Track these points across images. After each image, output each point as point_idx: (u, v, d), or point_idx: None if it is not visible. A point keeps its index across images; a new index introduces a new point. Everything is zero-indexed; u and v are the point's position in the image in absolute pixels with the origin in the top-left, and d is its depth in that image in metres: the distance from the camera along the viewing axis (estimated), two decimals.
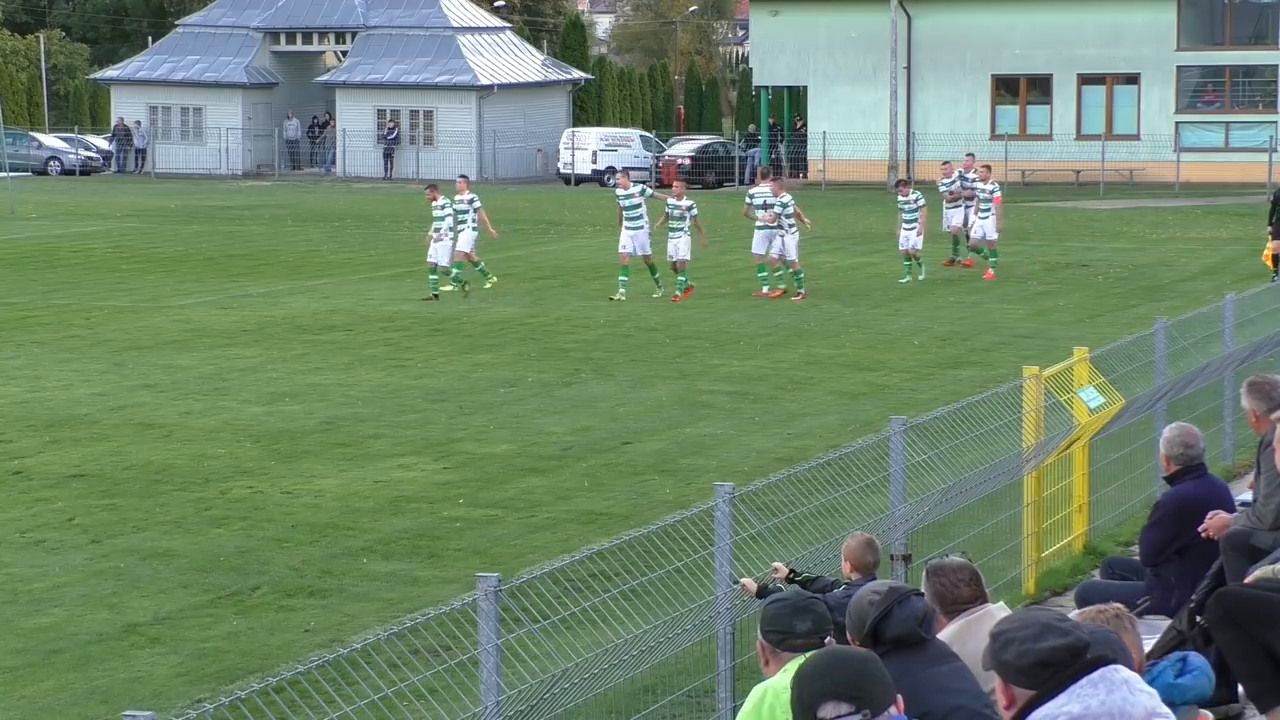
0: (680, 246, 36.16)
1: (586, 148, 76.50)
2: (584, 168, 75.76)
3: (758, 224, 37.11)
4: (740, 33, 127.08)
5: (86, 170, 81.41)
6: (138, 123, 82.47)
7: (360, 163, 78.83)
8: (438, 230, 36.38)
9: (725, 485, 11.77)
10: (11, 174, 68.98)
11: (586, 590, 12.17)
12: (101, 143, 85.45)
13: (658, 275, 36.01)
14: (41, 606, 15.56)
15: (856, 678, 5.91)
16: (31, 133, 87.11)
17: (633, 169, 75.90)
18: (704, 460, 21.34)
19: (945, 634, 8.40)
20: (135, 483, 20.17)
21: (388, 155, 79.54)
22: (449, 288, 36.38)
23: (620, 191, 37.02)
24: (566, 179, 75.86)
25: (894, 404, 23.39)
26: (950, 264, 41.10)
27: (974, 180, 41.13)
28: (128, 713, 7.50)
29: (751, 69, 78.21)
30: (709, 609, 11.58)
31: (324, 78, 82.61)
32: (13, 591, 15.98)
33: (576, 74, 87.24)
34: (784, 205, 36.43)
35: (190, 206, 60.91)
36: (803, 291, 35.83)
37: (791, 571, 11.21)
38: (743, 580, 11.34)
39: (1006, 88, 69.97)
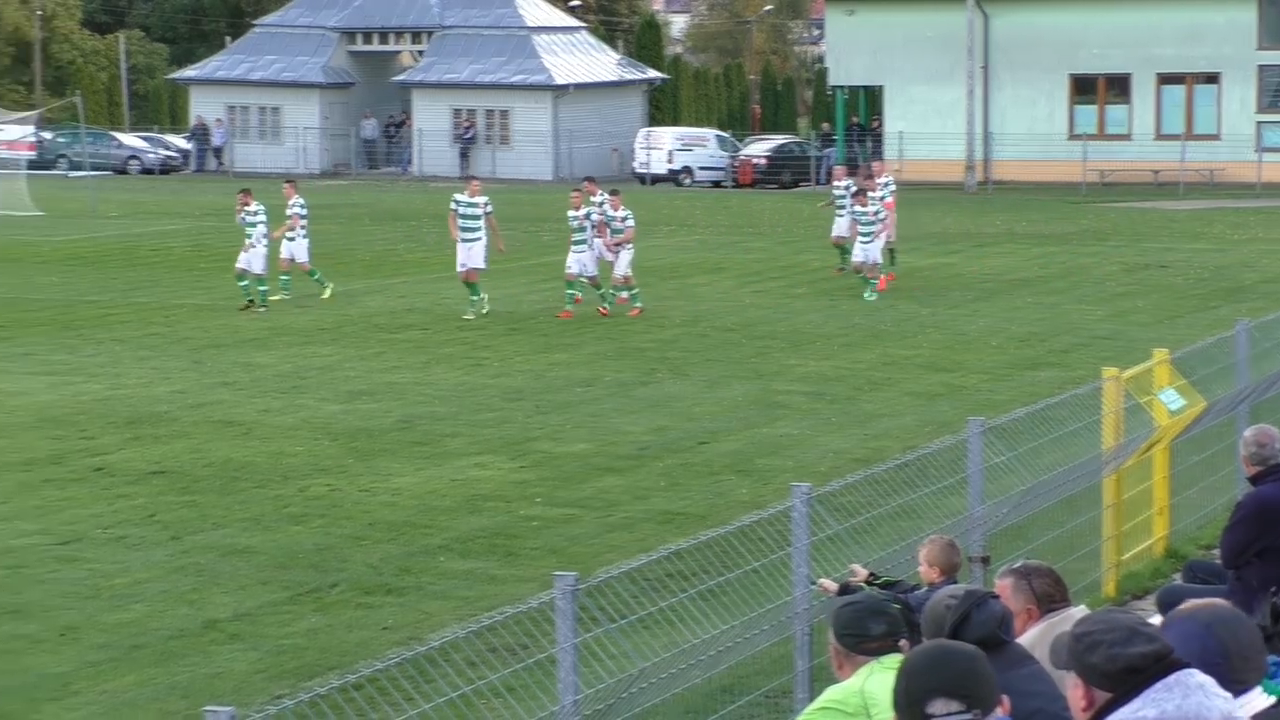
0: (589, 262, 34.00)
1: (662, 147, 76.49)
2: (659, 167, 75.76)
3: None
4: (815, 32, 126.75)
5: (166, 169, 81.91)
6: (218, 121, 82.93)
7: (436, 162, 79.03)
8: (250, 237, 34.64)
9: (802, 486, 11.76)
10: (92, 173, 69.48)
11: (663, 590, 12.18)
12: (180, 142, 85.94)
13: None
14: (123, 602, 15.67)
15: (967, 675, 5.81)
16: (112, 132, 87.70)
17: (709, 168, 76.01)
18: (780, 460, 21.32)
19: (1029, 636, 8.37)
20: (215, 480, 20.29)
21: (464, 155, 79.70)
22: (278, 296, 35.47)
23: (465, 198, 34.23)
24: (642, 178, 75.85)
25: (972, 405, 23.31)
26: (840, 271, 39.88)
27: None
28: (208, 708, 7.56)
29: (827, 68, 78.03)
30: (786, 610, 11.58)
31: (400, 77, 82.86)
32: (95, 587, 16.11)
33: (652, 74, 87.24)
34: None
35: (267, 206, 61.10)
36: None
37: (871, 575, 11.18)
38: (821, 581, 11.32)
39: (1084, 87, 69.59)
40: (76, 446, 22.05)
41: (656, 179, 75.23)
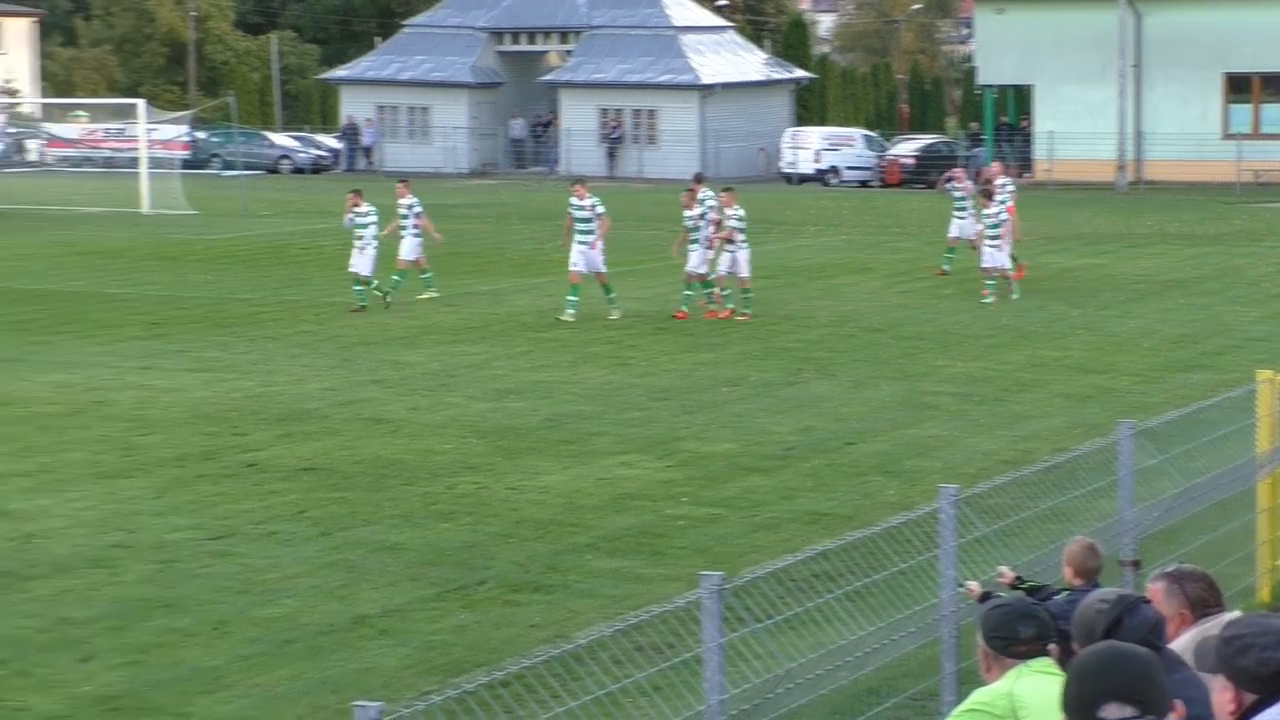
0: (695, 258, 33.64)
1: (809, 147, 76.33)
2: (806, 167, 75.61)
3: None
4: (964, 31, 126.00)
5: (316, 168, 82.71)
6: (368, 120, 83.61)
7: (583, 161, 79.26)
8: (362, 237, 34.56)
9: (950, 487, 11.70)
10: (245, 172, 70.28)
11: (810, 590, 12.16)
12: (331, 141, 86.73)
13: (613, 295, 33.39)
14: (274, 597, 15.84)
15: (1140, 678, 5.72)
16: (264, 131, 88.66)
17: (855, 168, 75.75)
18: (928, 461, 21.23)
19: (1181, 641, 8.28)
20: (364, 477, 20.47)
21: (611, 154, 79.94)
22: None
23: (574, 200, 33.83)
24: (788, 178, 75.73)
25: (1123, 407, 23.09)
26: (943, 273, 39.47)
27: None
28: (357, 703, 7.62)
29: (976, 68, 77.56)
30: (933, 612, 11.52)
31: (548, 77, 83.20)
32: (247, 582, 16.29)
33: (799, 73, 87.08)
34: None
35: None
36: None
37: (1018, 578, 11.11)
38: (968, 583, 11.26)
39: (1239, 86, 68.72)
40: (229, 443, 22.31)
41: (803, 179, 75.08)
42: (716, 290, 33.66)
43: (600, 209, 33.52)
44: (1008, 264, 35.63)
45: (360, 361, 28.48)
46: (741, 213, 33.78)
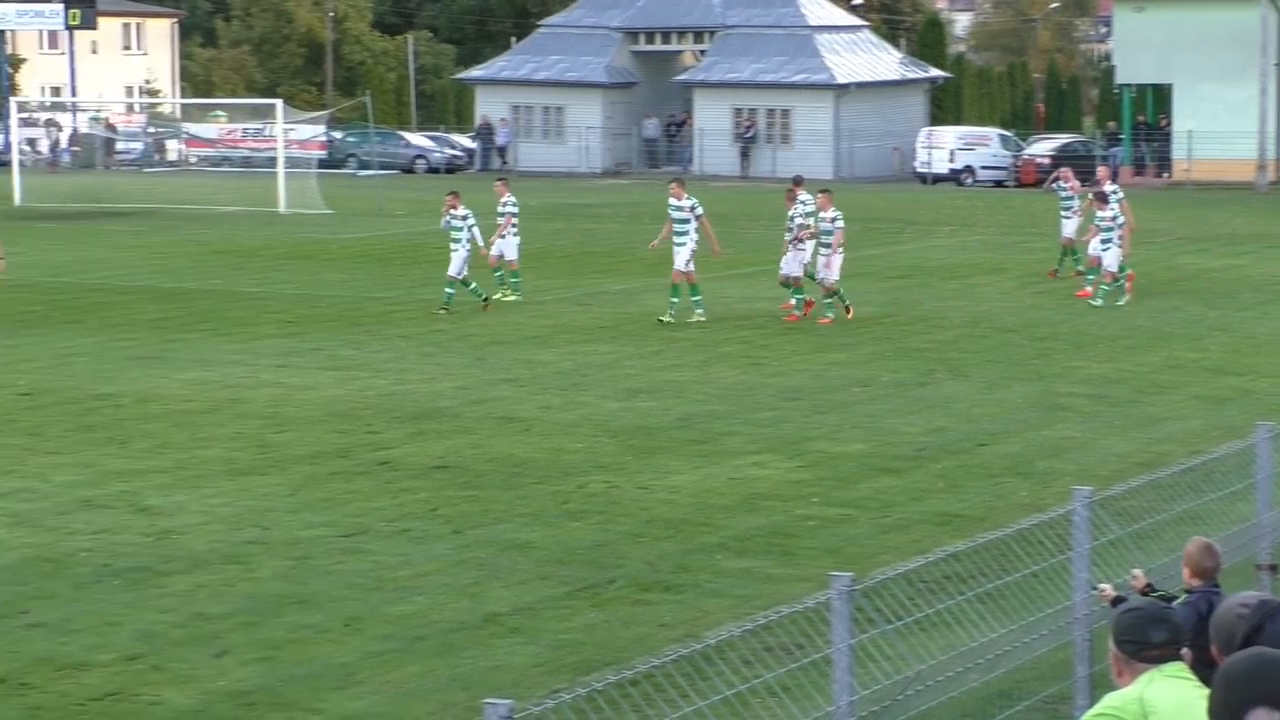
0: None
1: (944, 146, 75.94)
2: (941, 167, 75.23)
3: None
4: (1103, 30, 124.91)
5: (451, 168, 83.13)
6: (502, 120, 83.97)
7: (717, 161, 79.26)
8: (456, 241, 34.51)
9: (1083, 489, 11.60)
10: (380, 172, 70.77)
11: (940, 592, 12.10)
12: (466, 141, 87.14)
13: (699, 298, 32.95)
14: (406, 594, 15.93)
15: None
16: (399, 131, 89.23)
17: (991, 167, 75.26)
18: (1061, 463, 21.05)
19: None
20: (496, 475, 20.55)
21: (744, 154, 79.86)
22: (511, 297, 35.44)
23: (672, 201, 33.62)
24: (923, 178, 75.39)
25: (1261, 409, 22.80)
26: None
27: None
28: (488, 700, 7.64)
29: (1114, 66, 76.85)
30: (1066, 615, 11.44)
31: (682, 77, 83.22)
32: (379, 579, 16.39)
33: (934, 72, 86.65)
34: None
35: (550, 204, 61.85)
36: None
37: (1149, 585, 11.00)
38: (1101, 586, 11.16)
39: None
40: (362, 441, 22.46)
41: (938, 178, 74.71)
42: (791, 300, 33.23)
43: (699, 210, 33.25)
44: (1115, 266, 34.92)
45: (493, 360, 28.60)
46: (835, 214, 33.26)
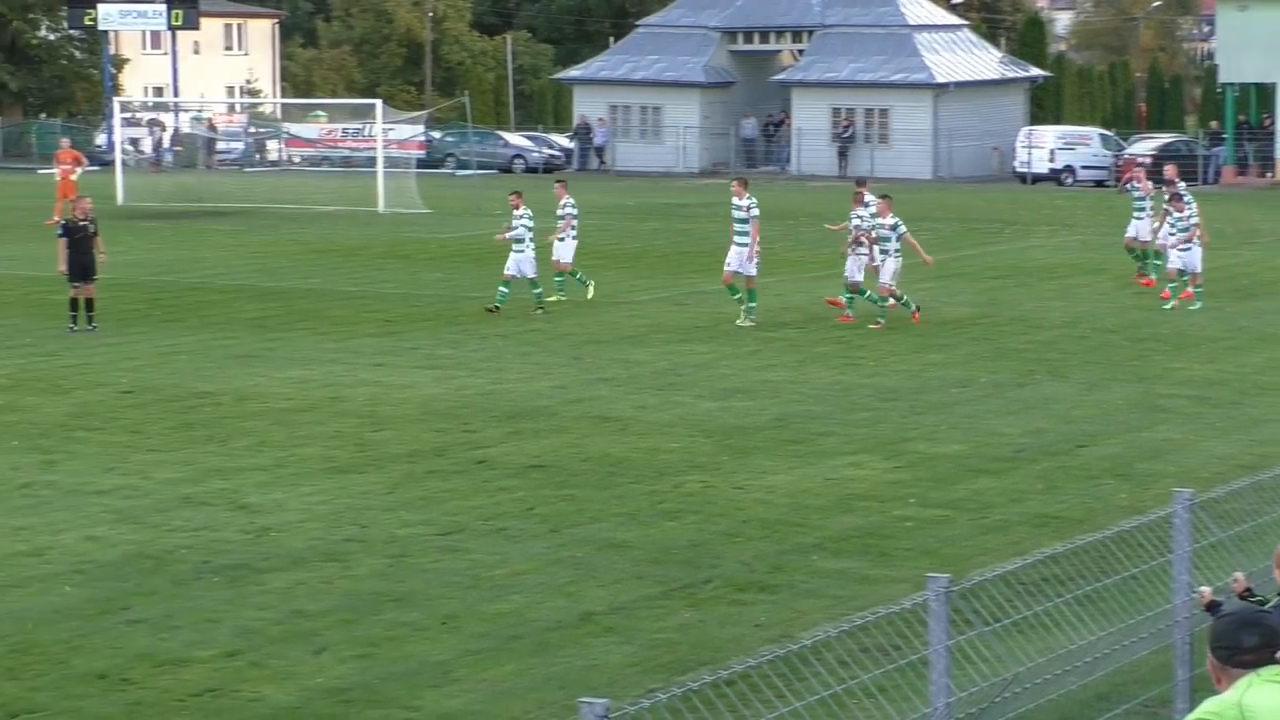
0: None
1: (1044, 146, 75.52)
2: (1041, 167, 74.81)
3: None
4: (1205, 28, 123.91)
5: (549, 168, 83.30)
6: (600, 120, 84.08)
7: (814, 161, 79.10)
8: (519, 239, 34.15)
9: (1184, 491, 11.51)
10: (479, 171, 70.99)
11: (1039, 594, 12.03)
12: (564, 141, 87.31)
13: (754, 304, 32.57)
14: (502, 593, 15.96)
15: None
16: (497, 131, 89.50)
17: (1091, 167, 74.78)
18: (1161, 465, 20.90)
19: None
20: (592, 474, 20.57)
21: (842, 153, 79.66)
22: (554, 297, 35.01)
23: (734, 200, 33.00)
24: (1023, 178, 74.99)
25: None
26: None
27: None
28: (583, 699, 7.65)
29: (1216, 65, 76.21)
30: (1166, 618, 11.35)
31: (780, 76, 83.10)
32: (475, 577, 16.44)
33: (1034, 71, 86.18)
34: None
35: (647, 204, 61.91)
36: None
37: (1248, 589, 10.89)
38: (1201, 589, 11.06)
39: None
40: (459, 439, 22.54)
41: (1037, 178, 74.30)
42: (842, 299, 32.76)
43: (755, 211, 32.65)
44: (1198, 267, 34.37)
45: (589, 360, 28.63)
46: (894, 220, 32.35)
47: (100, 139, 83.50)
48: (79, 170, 55.06)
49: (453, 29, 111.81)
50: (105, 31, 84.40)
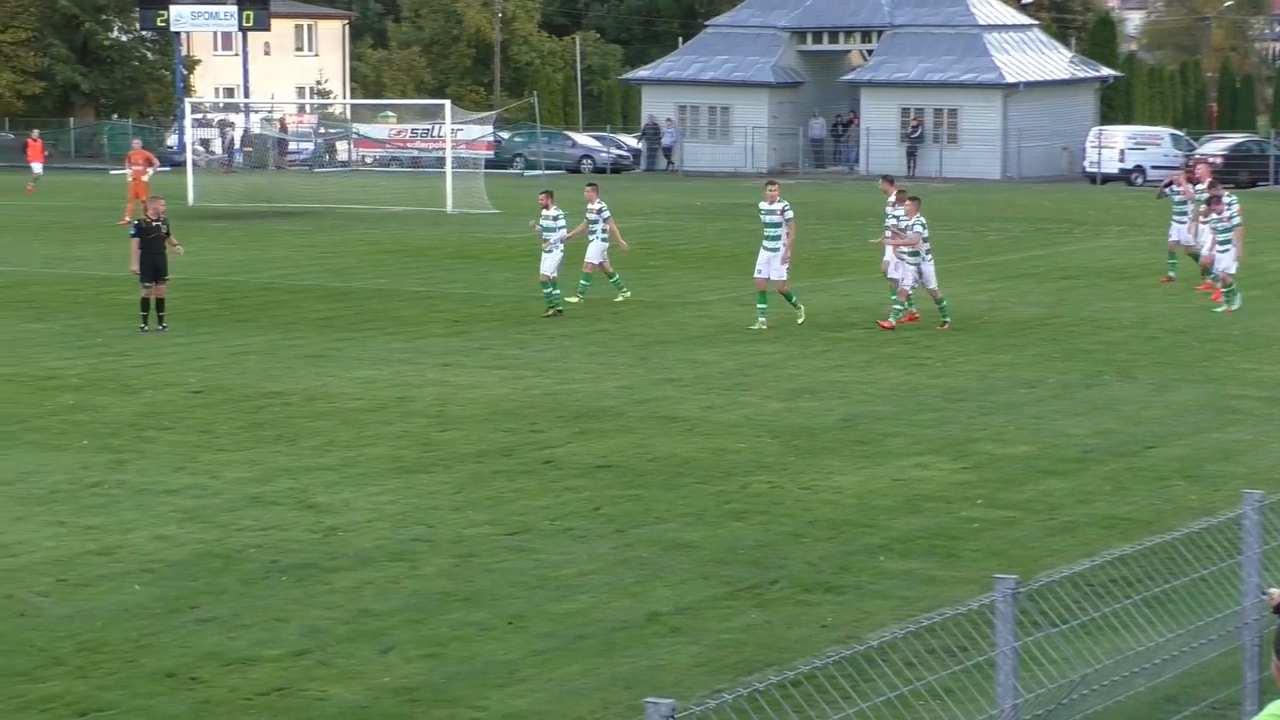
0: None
1: (1114, 146, 75.17)
2: (1110, 167, 74.47)
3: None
4: (1277, 28, 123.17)
5: (617, 168, 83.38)
6: (668, 120, 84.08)
7: (883, 161, 78.91)
8: (547, 240, 33.87)
9: (1254, 493, 11.43)
10: (547, 171, 71.08)
11: (1107, 595, 11.98)
12: (631, 141, 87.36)
13: (795, 300, 32.32)
14: (569, 593, 15.98)
15: None
16: (566, 131, 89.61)
17: (1162, 167, 74.38)
18: (1232, 466, 20.77)
19: None
20: (658, 474, 20.57)
21: (911, 154, 79.47)
22: (574, 299, 34.67)
23: (764, 205, 32.43)
24: (1092, 178, 74.65)
25: None
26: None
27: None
28: (649, 699, 7.65)
29: None
30: (1234, 620, 11.28)
31: (849, 76, 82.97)
32: (542, 577, 16.46)
33: (1105, 71, 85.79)
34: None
35: (715, 204, 61.87)
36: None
37: None
38: (1271, 590, 10.99)
39: None
40: (526, 439, 22.57)
41: (1107, 178, 73.96)
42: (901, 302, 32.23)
43: (789, 213, 32.08)
44: (1233, 269, 33.71)
45: (656, 360, 28.63)
46: (921, 222, 31.83)
47: (171, 140, 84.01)
48: (151, 171, 55.40)
49: (522, 29, 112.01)
50: (177, 33, 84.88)
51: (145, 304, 31.87)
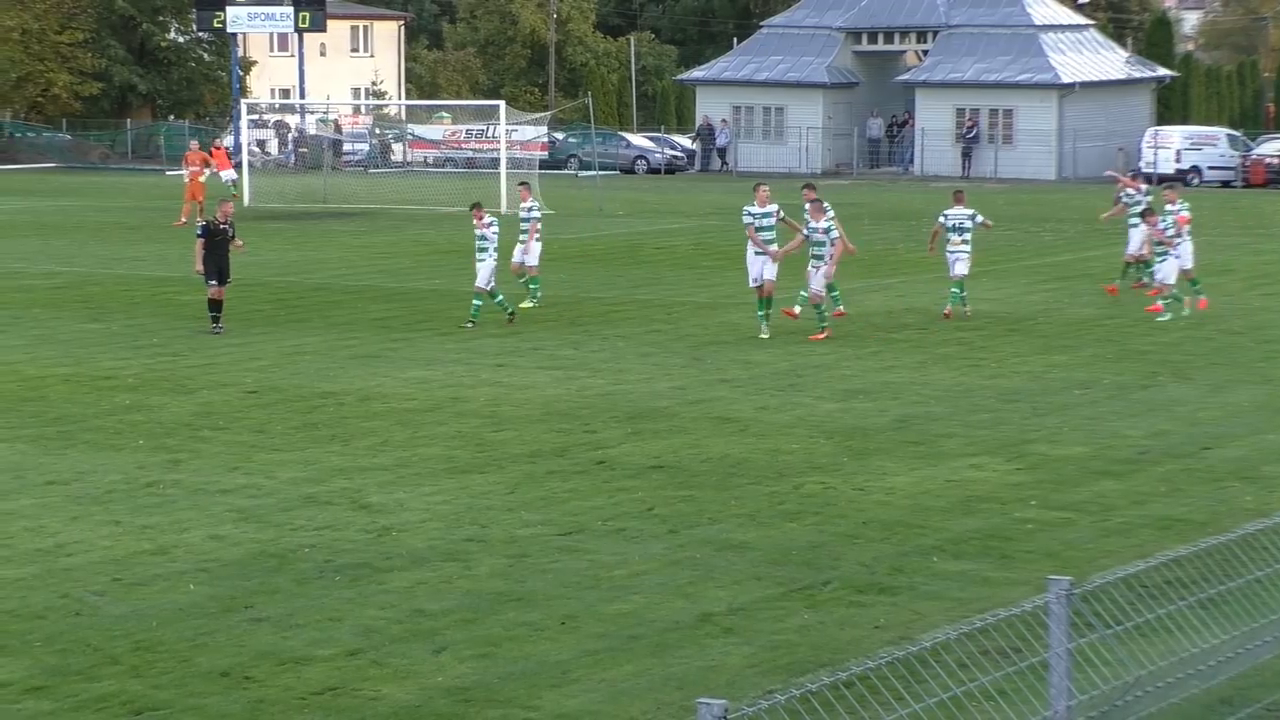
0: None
1: (1170, 146, 74.86)
2: (1166, 167, 74.16)
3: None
4: None
5: (671, 169, 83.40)
6: (723, 121, 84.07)
7: (938, 161, 78.78)
8: (484, 250, 32.52)
9: None
10: (601, 172, 71.15)
11: (1161, 597, 11.93)
12: (686, 142, 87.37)
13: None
14: (621, 593, 15.99)
15: None
16: (620, 132, 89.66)
17: (1218, 167, 74.03)
18: None
19: None
20: (712, 475, 20.57)
21: (966, 154, 79.28)
22: (527, 304, 34.07)
23: (756, 209, 31.50)
24: (1148, 178, 74.32)
25: None
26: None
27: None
28: (702, 700, 7.65)
29: None
30: None
31: (904, 77, 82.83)
32: (595, 578, 16.47)
33: (1161, 71, 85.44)
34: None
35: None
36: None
37: None
38: None
39: None
40: (579, 440, 22.59)
41: (1163, 179, 73.64)
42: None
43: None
44: (1172, 278, 32.86)
45: (710, 360, 28.63)
46: (828, 224, 31.03)
47: (228, 141, 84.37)
48: (207, 172, 55.60)
49: (576, 30, 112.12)
50: (233, 34, 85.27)
51: (213, 304, 31.90)
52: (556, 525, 18.37)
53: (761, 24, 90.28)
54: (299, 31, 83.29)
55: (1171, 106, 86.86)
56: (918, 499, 19.39)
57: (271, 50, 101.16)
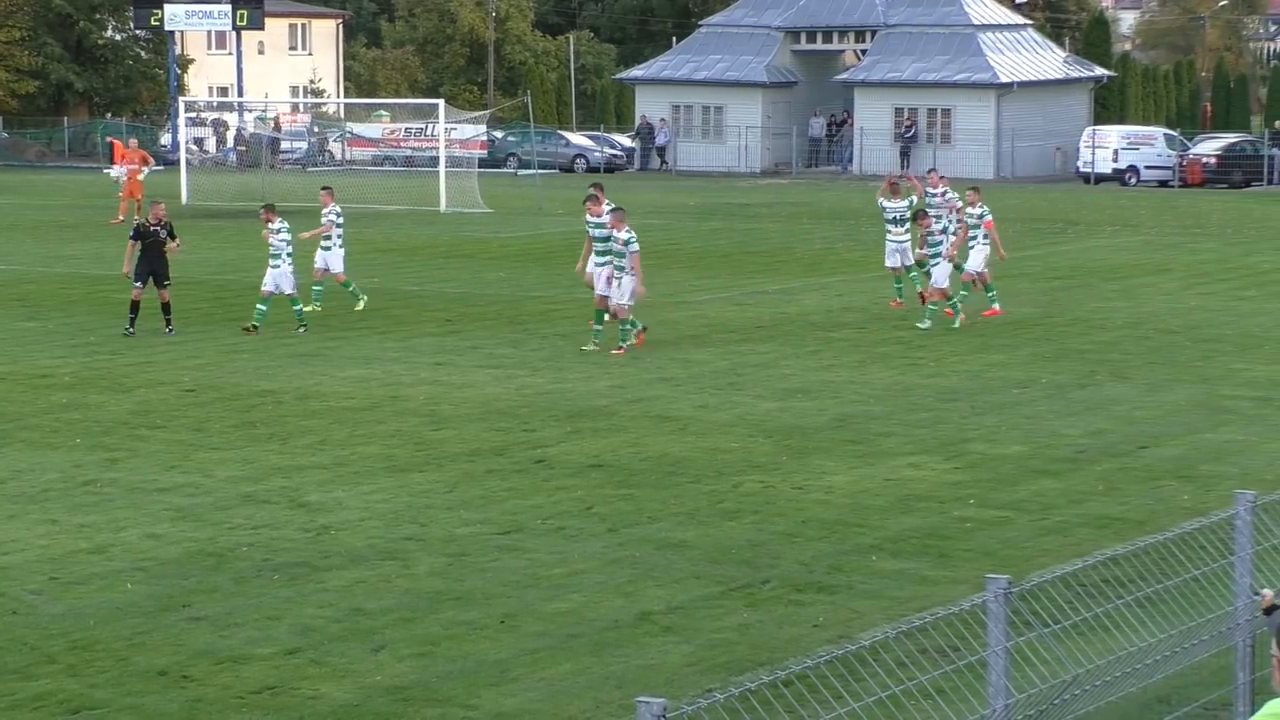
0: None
1: (1107, 146, 75.20)
2: (1104, 166, 74.50)
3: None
4: (1272, 28, 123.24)
5: (610, 168, 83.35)
6: (662, 120, 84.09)
7: (877, 160, 78.93)
8: (277, 255, 31.83)
9: (1247, 493, 11.43)
10: (540, 171, 71.07)
11: (1099, 596, 11.97)
12: (625, 140, 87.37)
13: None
14: (561, 592, 15.97)
15: None
16: (559, 131, 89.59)
17: (1155, 167, 74.38)
18: (1224, 467, 20.77)
19: None
20: (651, 474, 20.57)
21: (904, 153, 79.48)
22: (310, 307, 33.07)
23: (590, 219, 30.53)
24: (1086, 178, 74.67)
25: None
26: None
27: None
28: (641, 699, 7.64)
29: None
30: (1227, 620, 11.27)
31: (843, 76, 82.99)
32: (534, 576, 16.45)
33: (1099, 71, 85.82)
34: None
35: (709, 204, 61.88)
36: None
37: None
38: (1264, 592, 10.98)
39: None
40: (519, 439, 22.57)
41: (1100, 178, 73.99)
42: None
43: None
44: (945, 283, 32.02)
45: (649, 359, 28.61)
46: (628, 235, 29.10)
47: (165, 139, 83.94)
48: (146, 171, 55.29)
49: (515, 29, 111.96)
50: (171, 32, 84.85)
51: (134, 307, 31.45)
52: (495, 524, 18.34)
53: (700, 23, 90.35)
54: (237, 29, 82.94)
55: (1109, 106, 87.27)
56: (857, 498, 19.43)
57: (209, 48, 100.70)
